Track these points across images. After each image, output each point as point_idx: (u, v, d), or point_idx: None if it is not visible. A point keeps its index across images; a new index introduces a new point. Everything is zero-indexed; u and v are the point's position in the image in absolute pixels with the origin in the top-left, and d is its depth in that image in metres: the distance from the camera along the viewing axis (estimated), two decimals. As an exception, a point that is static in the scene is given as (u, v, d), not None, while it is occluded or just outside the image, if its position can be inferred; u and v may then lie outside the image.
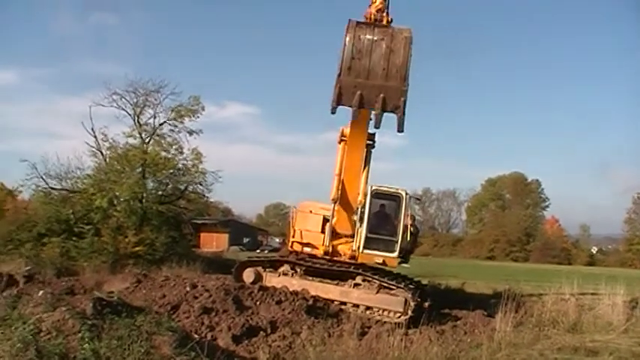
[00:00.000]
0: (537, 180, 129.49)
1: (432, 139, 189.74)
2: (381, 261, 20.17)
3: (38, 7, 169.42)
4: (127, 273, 24.40)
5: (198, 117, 35.43)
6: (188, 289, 18.21)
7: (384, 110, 14.30)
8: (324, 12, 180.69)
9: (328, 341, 14.14)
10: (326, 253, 20.87)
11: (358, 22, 14.52)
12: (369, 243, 20.30)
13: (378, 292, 19.37)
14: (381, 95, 14.00)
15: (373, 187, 20.67)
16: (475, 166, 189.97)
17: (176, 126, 35.49)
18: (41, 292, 12.32)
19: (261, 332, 15.18)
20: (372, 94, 14.03)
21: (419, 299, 19.05)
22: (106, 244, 31.48)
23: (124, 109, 35.29)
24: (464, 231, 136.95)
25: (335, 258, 20.83)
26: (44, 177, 35.11)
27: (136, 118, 35.46)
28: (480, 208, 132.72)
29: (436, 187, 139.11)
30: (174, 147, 35.57)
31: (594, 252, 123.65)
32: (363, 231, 20.36)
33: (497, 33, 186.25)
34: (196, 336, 12.90)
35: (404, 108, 14.10)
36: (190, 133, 35.60)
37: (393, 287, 19.27)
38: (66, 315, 10.55)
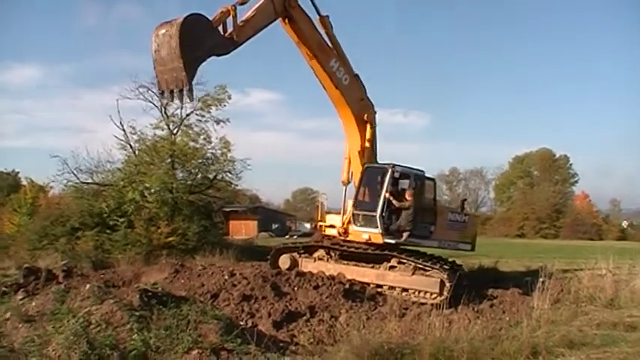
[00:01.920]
0: (566, 155, 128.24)
1: (458, 119, 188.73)
2: (367, 237, 20.40)
3: (60, 1, 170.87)
4: (163, 263, 24.61)
5: (224, 106, 35.52)
6: (226, 277, 18.42)
7: (178, 87, 15.78)
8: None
9: (368, 323, 14.27)
10: (339, 233, 21.41)
11: (161, 23, 15.89)
12: (355, 219, 20.84)
13: (413, 274, 19.46)
14: (174, 75, 15.63)
15: (365, 165, 21.26)
16: (502, 143, 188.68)
17: (203, 116, 35.60)
18: (88, 286, 12.55)
19: (301, 317, 15.35)
20: (170, 76, 15.74)
21: (455, 279, 19.12)
22: (139, 235, 31.75)
23: (150, 101, 35.40)
24: (492, 209, 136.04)
25: (347, 239, 21.22)
26: (75, 172, 35.56)
27: (163, 109, 35.59)
28: (508, 186, 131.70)
29: (463, 167, 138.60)
30: (202, 137, 35.70)
31: (625, 226, 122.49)
32: (348, 207, 21.05)
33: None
34: (242, 323, 13.09)
35: (187, 81, 15.52)
36: (217, 122, 35.69)
37: (429, 268, 19.34)
38: (114, 307, 10.80)
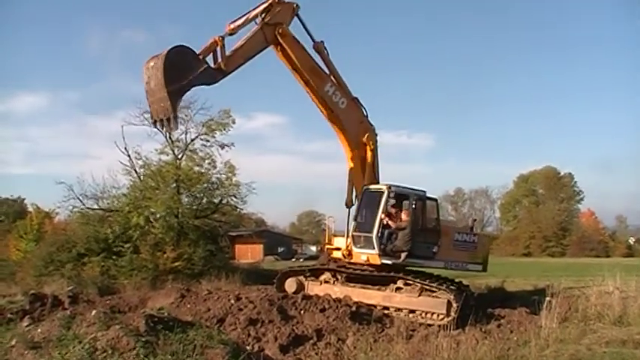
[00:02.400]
0: (570, 173, 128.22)
1: (461, 139, 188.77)
2: (366, 258, 20.42)
3: (67, 29, 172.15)
4: (169, 288, 24.61)
5: (229, 130, 35.62)
6: (232, 301, 18.37)
7: (166, 116, 16.61)
8: (343, 18, 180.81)
9: (375, 346, 14.21)
10: (343, 255, 21.44)
11: (151, 57, 16.79)
12: (354, 241, 20.93)
13: (420, 295, 19.33)
14: (162, 104, 16.46)
15: (364, 187, 21.35)
16: (506, 162, 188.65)
17: (208, 140, 35.67)
18: (94, 312, 12.55)
19: (308, 340, 15.29)
20: (158, 106, 16.60)
21: (462, 300, 19.03)
22: (145, 260, 31.71)
23: (155, 127, 35.54)
24: (498, 229, 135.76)
25: (351, 260, 21.20)
26: (81, 198, 35.68)
27: (168, 134, 35.64)
28: (513, 205, 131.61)
29: (468, 187, 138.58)
30: (206, 161, 35.74)
31: (632, 243, 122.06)
32: (350, 229, 21.14)
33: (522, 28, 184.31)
34: (248, 348, 13.04)
35: (172, 110, 16.43)
36: (222, 146, 35.73)
37: (435, 289, 19.22)
38: (120, 333, 10.78)
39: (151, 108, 16.92)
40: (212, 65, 17.95)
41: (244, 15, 18.99)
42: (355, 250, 20.81)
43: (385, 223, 20.14)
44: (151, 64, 16.44)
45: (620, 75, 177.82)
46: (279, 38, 19.70)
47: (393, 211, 20.75)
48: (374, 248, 19.99)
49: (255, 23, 19.19)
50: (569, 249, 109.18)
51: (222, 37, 17.97)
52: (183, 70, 16.56)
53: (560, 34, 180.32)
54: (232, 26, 18.53)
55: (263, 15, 19.41)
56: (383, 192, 20.54)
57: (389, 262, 19.98)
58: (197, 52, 17.48)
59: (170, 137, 35.55)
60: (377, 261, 20.06)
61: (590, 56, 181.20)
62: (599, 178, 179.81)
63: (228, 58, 17.96)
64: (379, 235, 19.99)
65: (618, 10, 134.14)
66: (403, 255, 20.05)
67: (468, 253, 21.94)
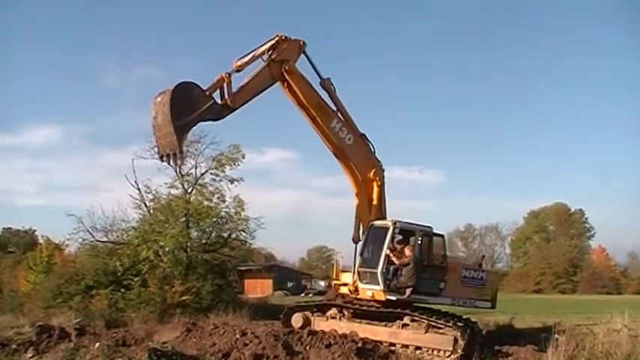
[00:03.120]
0: (581, 209, 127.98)
1: (471, 175, 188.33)
2: (371, 294, 20.35)
3: (81, 63, 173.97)
4: (175, 322, 24.62)
5: (238, 165, 35.78)
6: (238, 336, 18.34)
7: (172, 150, 16.97)
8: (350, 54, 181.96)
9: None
10: (350, 291, 21.39)
11: (159, 92, 17.04)
12: (360, 277, 20.95)
13: (426, 332, 19.26)
14: (168, 139, 16.73)
15: (370, 223, 21.41)
16: (517, 198, 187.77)
17: (217, 175, 35.80)
18: (97, 345, 12.59)
19: (313, 377, 15.25)
20: (165, 140, 16.88)
21: (469, 336, 18.95)
22: (153, 294, 31.67)
23: (162, 161, 35.77)
24: (509, 265, 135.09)
25: (358, 296, 21.12)
26: (90, 230, 35.84)
27: (178, 168, 35.83)
28: (523, 241, 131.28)
29: (478, 223, 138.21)
30: (216, 195, 35.81)
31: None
32: (356, 265, 21.20)
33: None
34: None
35: (177, 145, 16.75)
36: (232, 181, 35.86)
37: (442, 326, 19.14)
38: (123, 367, 10.80)
39: (157, 142, 17.22)
40: (219, 101, 18.23)
41: (251, 52, 19.30)
42: (361, 285, 20.80)
43: (390, 259, 20.14)
44: (158, 99, 16.73)
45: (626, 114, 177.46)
46: (286, 75, 19.95)
47: (399, 247, 20.71)
48: (379, 284, 19.98)
49: (262, 60, 19.43)
50: (580, 285, 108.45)
51: (229, 74, 18.31)
52: (189, 106, 16.86)
53: (572, 69, 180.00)
54: (239, 63, 18.86)
55: (270, 52, 19.68)
56: (388, 227, 20.56)
57: (393, 297, 19.90)
58: (204, 88, 17.82)
59: (180, 171, 35.75)
60: (382, 297, 20.01)
61: (604, 94, 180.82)
62: (609, 214, 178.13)
63: (234, 95, 18.28)
64: (384, 270, 19.98)
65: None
66: (408, 291, 19.97)
67: (476, 290, 21.88)
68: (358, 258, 21.43)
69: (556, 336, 16.18)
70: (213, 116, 18.15)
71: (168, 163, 17.69)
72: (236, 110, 18.59)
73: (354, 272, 21.52)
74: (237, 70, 18.69)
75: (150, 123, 17.16)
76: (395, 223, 20.61)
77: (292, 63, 20.31)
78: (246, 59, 18.97)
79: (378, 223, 21.41)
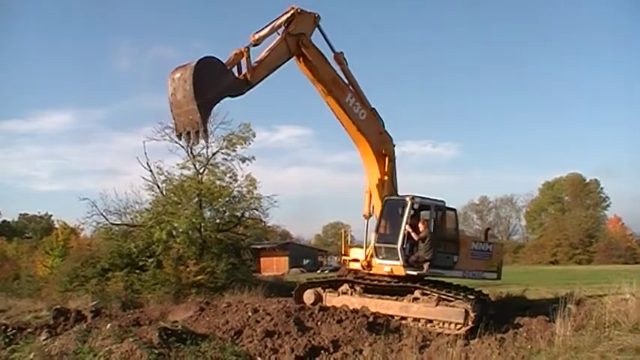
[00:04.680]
0: (596, 179, 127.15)
1: (486, 147, 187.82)
2: (389, 270, 20.38)
3: (96, 49, 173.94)
4: (189, 302, 24.86)
5: (249, 144, 35.92)
6: (250, 313, 18.60)
7: (194, 128, 16.25)
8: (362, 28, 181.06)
9: (391, 356, 14.27)
10: (363, 267, 21.48)
11: (176, 67, 16.45)
12: (377, 252, 20.91)
13: (437, 305, 19.36)
14: (190, 117, 16.13)
15: (385, 198, 21.34)
16: (532, 170, 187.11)
17: (229, 154, 36.00)
18: (109, 325, 12.80)
19: (324, 352, 15.40)
20: (186, 118, 16.26)
21: (480, 309, 19.05)
22: (168, 275, 31.91)
23: (176, 142, 35.90)
24: (524, 237, 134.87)
25: (370, 272, 21.27)
26: (104, 214, 36.26)
27: (189, 149, 36.02)
28: (539, 213, 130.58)
29: (493, 195, 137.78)
30: (228, 175, 36.04)
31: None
32: (372, 240, 21.07)
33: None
34: (260, 359, 13.19)
35: (202, 123, 16.08)
36: (243, 160, 36.06)
37: (452, 299, 19.25)
38: (134, 346, 11.01)
39: (176, 120, 16.68)
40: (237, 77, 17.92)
41: (268, 25, 18.88)
42: (377, 261, 20.82)
43: (410, 234, 20.22)
44: (177, 75, 16.20)
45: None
46: (303, 49, 19.77)
47: (414, 222, 20.76)
48: (398, 259, 20.02)
49: (278, 34, 19.16)
50: (596, 256, 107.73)
51: (248, 48, 17.83)
52: (211, 82, 16.43)
53: (584, 40, 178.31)
54: (257, 37, 18.38)
55: (286, 25, 19.41)
56: (406, 203, 20.58)
57: (414, 272, 20.01)
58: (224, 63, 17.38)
59: (192, 152, 36.01)
60: (401, 272, 20.08)
61: (618, 63, 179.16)
62: (626, 184, 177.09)
63: (253, 70, 17.84)
64: (404, 246, 20.06)
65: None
66: (426, 265, 20.08)
67: (483, 262, 22.06)
68: (373, 234, 21.42)
69: (565, 306, 16.16)
70: (234, 93, 17.68)
71: (187, 142, 17.21)
72: (255, 86, 18.20)
73: (366, 247, 21.61)
74: (255, 44, 18.25)
75: (167, 100, 16.62)
76: (413, 198, 20.67)
77: (308, 36, 20.11)
78: (263, 33, 18.52)
79: (394, 198, 21.45)
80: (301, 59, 20.00)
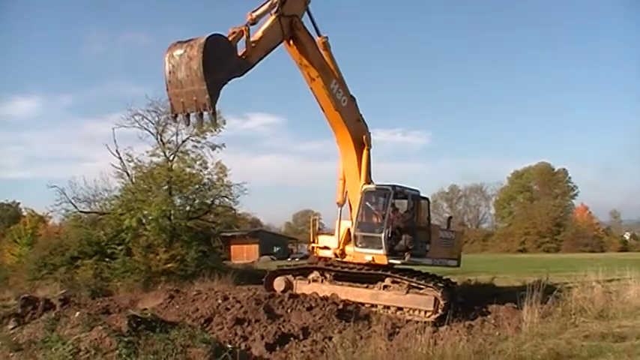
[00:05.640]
0: (564, 169, 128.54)
1: (456, 136, 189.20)
2: (370, 259, 20.38)
3: (63, 33, 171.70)
4: (159, 290, 24.83)
5: (219, 131, 35.80)
6: (220, 301, 18.57)
7: (198, 110, 15.41)
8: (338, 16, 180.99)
9: (360, 343, 14.36)
10: (335, 255, 21.52)
11: (175, 43, 15.50)
12: (356, 240, 20.74)
13: (407, 293, 19.51)
14: (194, 98, 15.16)
15: (364, 187, 21.28)
16: (501, 159, 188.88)
17: (199, 142, 35.88)
18: (78, 314, 12.73)
19: (294, 339, 15.48)
20: (188, 99, 15.25)
21: (449, 296, 19.24)
22: (137, 262, 31.82)
23: (146, 129, 35.82)
24: (493, 225, 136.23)
25: (344, 260, 21.34)
26: (73, 201, 36.06)
27: (159, 136, 35.98)
28: (508, 202, 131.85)
29: (463, 184, 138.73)
30: (198, 162, 35.96)
31: (627, 238, 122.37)
32: (352, 230, 20.92)
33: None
34: (230, 346, 13.20)
35: (211, 105, 15.12)
36: (213, 147, 36.00)
37: (422, 287, 19.41)
38: (103, 334, 10.96)
39: (173, 100, 15.59)
40: None
41: (263, 4, 18.13)
42: (357, 250, 20.74)
43: (394, 222, 20.30)
44: (178, 51, 15.18)
45: (616, 71, 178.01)
46: (296, 31, 19.36)
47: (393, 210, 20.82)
48: (381, 248, 20.06)
49: (270, 14, 18.41)
50: (564, 244, 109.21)
51: (248, 27, 17.04)
52: (219, 62, 15.51)
53: (554, 31, 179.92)
54: (254, 15, 17.61)
55: (280, 5, 18.63)
56: (389, 192, 20.72)
57: (397, 261, 20.17)
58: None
59: (161, 139, 35.85)
60: (384, 261, 20.15)
61: (585, 53, 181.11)
62: (593, 174, 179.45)
63: (252, 49, 17.10)
64: (388, 235, 20.08)
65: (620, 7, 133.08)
66: (407, 255, 20.22)
67: (447, 250, 22.38)
68: (345, 221, 21.57)
69: (531, 293, 16.37)
70: (239, 73, 16.77)
71: (187, 124, 16.32)
72: (253, 67, 17.47)
73: (338, 235, 21.67)
74: (253, 23, 17.48)
75: (163, 77, 15.49)
76: (394, 187, 20.77)
77: (300, 19, 19.79)
78: (259, 11, 17.74)
79: (374, 186, 21.47)
80: (291, 42, 19.63)
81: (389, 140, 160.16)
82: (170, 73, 15.24)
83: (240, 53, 16.79)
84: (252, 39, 17.17)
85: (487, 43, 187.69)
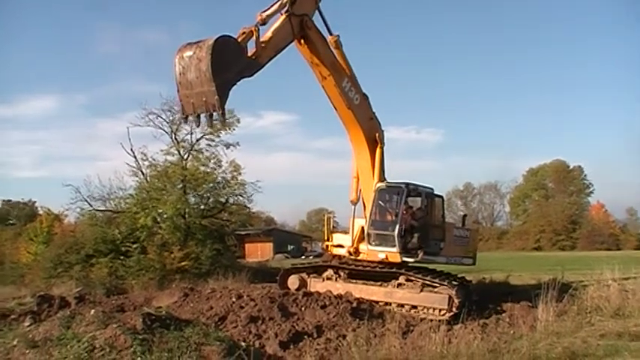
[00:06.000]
0: (580, 166, 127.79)
1: (471, 134, 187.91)
2: (384, 256, 20.36)
3: (79, 31, 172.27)
4: (174, 288, 24.87)
5: (234, 129, 35.92)
6: (234, 299, 18.61)
7: (208, 111, 15.46)
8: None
9: (373, 341, 14.34)
10: (349, 253, 21.50)
11: (184, 44, 15.58)
12: (369, 239, 20.74)
13: (421, 291, 19.49)
14: (204, 99, 15.22)
15: (377, 185, 21.22)
16: (516, 157, 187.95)
17: (213, 140, 36.02)
18: (93, 311, 12.78)
19: (308, 337, 15.47)
20: (198, 100, 15.32)
21: (463, 295, 19.19)
22: (152, 261, 31.99)
23: (160, 128, 35.99)
24: (508, 223, 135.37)
25: (358, 258, 21.32)
26: (88, 200, 36.26)
27: (173, 135, 36.14)
28: (523, 199, 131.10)
29: (478, 182, 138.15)
30: (212, 161, 36.12)
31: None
32: (365, 227, 20.93)
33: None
34: (244, 344, 13.23)
35: (220, 105, 15.17)
36: (227, 146, 36.16)
37: (437, 285, 19.38)
38: (117, 331, 11.01)
39: (183, 102, 15.68)
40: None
41: (274, 3, 18.16)
42: (370, 248, 20.74)
43: (408, 220, 20.30)
44: (188, 53, 15.24)
45: (630, 69, 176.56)
46: (307, 30, 19.28)
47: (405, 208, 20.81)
48: (394, 246, 20.04)
49: (281, 14, 18.39)
50: (580, 242, 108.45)
51: (258, 28, 17.07)
52: (228, 62, 15.52)
53: (568, 27, 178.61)
54: (264, 15, 17.63)
55: (290, 4, 18.52)
56: (402, 189, 20.69)
57: (410, 259, 20.14)
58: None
59: (176, 138, 36.00)
60: (397, 259, 20.14)
61: (599, 50, 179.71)
62: (609, 171, 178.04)
63: (262, 50, 17.13)
64: (401, 233, 20.08)
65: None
66: (420, 252, 20.21)
67: (462, 248, 22.29)
68: (359, 219, 21.58)
69: (547, 291, 16.29)
70: (248, 73, 16.79)
71: (198, 125, 16.35)
72: (263, 67, 17.46)
73: (352, 233, 21.66)
74: (263, 23, 17.53)
75: (174, 79, 15.60)
76: (408, 185, 20.74)
77: (310, 18, 19.70)
78: (270, 11, 17.80)
79: (388, 184, 21.42)
80: (302, 41, 19.56)
81: (403, 138, 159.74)
82: (180, 74, 15.36)
83: (250, 54, 16.77)
84: (262, 39, 17.15)
85: (504, 41, 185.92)
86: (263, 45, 17.11)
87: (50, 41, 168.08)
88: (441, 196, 22.62)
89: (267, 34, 17.75)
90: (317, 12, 20.32)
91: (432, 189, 21.71)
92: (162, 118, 36.05)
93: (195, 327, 12.60)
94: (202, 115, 15.73)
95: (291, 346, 14.79)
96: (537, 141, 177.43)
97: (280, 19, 18.27)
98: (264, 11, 17.57)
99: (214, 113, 15.48)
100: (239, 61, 16.10)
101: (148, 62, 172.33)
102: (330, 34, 20.67)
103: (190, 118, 16.07)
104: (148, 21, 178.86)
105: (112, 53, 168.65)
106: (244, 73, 16.49)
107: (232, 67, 15.79)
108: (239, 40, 16.56)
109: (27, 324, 14.40)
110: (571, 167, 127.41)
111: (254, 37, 16.84)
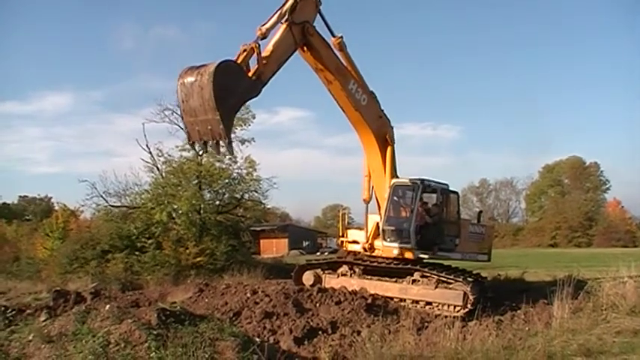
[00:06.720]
0: (596, 162, 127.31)
1: (486, 130, 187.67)
2: (398, 253, 20.29)
3: (95, 28, 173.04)
4: (189, 283, 24.99)
5: (249, 125, 36.03)
6: (249, 295, 18.68)
7: (214, 139, 15.12)
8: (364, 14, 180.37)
9: (387, 337, 14.32)
10: (364, 249, 21.53)
11: (186, 69, 15.15)
12: (385, 235, 20.74)
13: (436, 287, 19.45)
14: (209, 127, 14.86)
15: (393, 181, 21.17)
16: (532, 153, 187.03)
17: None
18: (108, 307, 12.83)
19: (322, 333, 15.47)
20: (204, 128, 14.96)
21: (478, 291, 19.13)
22: (167, 256, 32.15)
23: (176, 124, 36.00)
24: (524, 220, 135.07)
25: (373, 254, 21.34)
26: (104, 195, 36.42)
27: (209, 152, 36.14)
28: (539, 196, 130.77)
29: (493, 178, 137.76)
30: (227, 157, 36.09)
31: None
32: (380, 224, 20.93)
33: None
34: (258, 340, 13.23)
35: (226, 134, 14.79)
36: (242, 142, 36.22)
37: (452, 281, 19.35)
38: (132, 326, 11.04)
39: (189, 129, 15.32)
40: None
41: (272, 16, 17.79)
42: (385, 244, 20.75)
43: (422, 216, 20.34)
44: (189, 79, 14.87)
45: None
46: (309, 37, 18.95)
47: (420, 204, 20.80)
48: (409, 242, 20.03)
49: (281, 23, 17.98)
50: (596, 239, 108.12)
51: (258, 44, 16.65)
52: (231, 88, 15.17)
53: (584, 24, 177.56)
54: (263, 29, 17.23)
55: (290, 13, 18.14)
56: (417, 186, 20.63)
57: (425, 255, 20.16)
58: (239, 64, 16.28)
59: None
60: (412, 255, 20.13)
61: (615, 48, 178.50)
62: (626, 168, 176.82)
63: (265, 66, 16.71)
64: (416, 229, 20.08)
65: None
66: (435, 248, 20.30)
67: (477, 244, 22.31)
68: (372, 216, 21.62)
69: (562, 288, 16.20)
70: (253, 94, 16.49)
71: (205, 151, 15.98)
72: (268, 83, 17.04)
73: (366, 230, 21.65)
74: (263, 38, 17.10)
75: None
76: (422, 181, 20.70)
77: (312, 24, 19.30)
78: (269, 24, 17.37)
79: (402, 181, 21.32)
80: (305, 48, 19.28)
81: (419, 134, 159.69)
82: (183, 101, 15.12)
83: (252, 72, 16.42)
84: (263, 54, 16.79)
85: (521, 37, 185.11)
86: (265, 62, 16.74)
87: (67, 38, 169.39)
88: (456, 192, 22.56)
89: (268, 47, 17.39)
90: (318, 15, 20.04)
91: (447, 185, 21.63)
92: (177, 114, 36.01)
93: (210, 322, 12.60)
94: (209, 143, 15.48)
95: (306, 342, 14.76)
96: (556, 138, 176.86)
97: (281, 29, 17.92)
98: (264, 24, 17.22)
99: (222, 141, 15.18)
100: (242, 85, 15.82)
101: (164, 59, 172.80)
102: (334, 35, 20.33)
103: (197, 145, 15.92)
104: (163, 18, 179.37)
105: (128, 49, 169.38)
106: (248, 95, 16.39)
107: (235, 93, 15.56)
108: (240, 59, 16.30)
109: (43, 319, 14.41)
110: (587, 164, 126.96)
111: (255, 54, 16.49)
